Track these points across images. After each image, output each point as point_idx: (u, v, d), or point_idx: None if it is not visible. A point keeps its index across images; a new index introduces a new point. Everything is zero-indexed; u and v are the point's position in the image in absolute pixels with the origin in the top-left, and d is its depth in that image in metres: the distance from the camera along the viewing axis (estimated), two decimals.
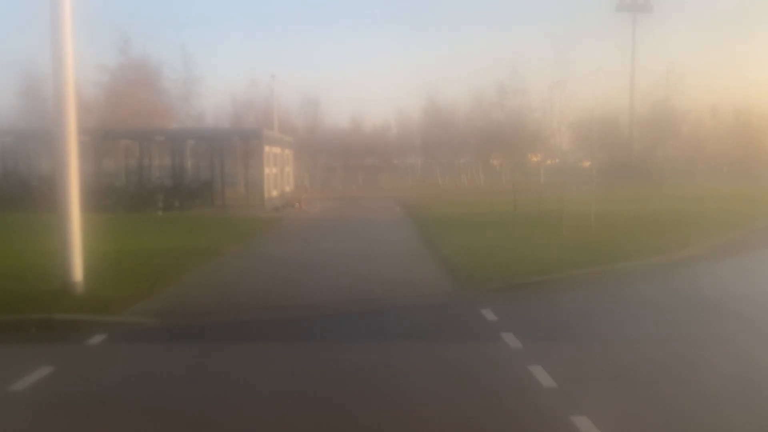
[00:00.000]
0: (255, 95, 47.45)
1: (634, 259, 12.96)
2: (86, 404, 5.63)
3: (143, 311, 8.75)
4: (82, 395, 5.86)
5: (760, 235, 18.25)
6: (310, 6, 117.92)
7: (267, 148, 30.44)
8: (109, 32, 42.46)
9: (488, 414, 5.36)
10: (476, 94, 46.74)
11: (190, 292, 9.99)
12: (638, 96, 51.20)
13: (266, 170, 30.15)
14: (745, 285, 11.46)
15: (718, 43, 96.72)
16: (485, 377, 6.28)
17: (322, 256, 13.97)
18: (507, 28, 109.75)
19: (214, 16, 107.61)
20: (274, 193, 32.31)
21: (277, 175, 34.54)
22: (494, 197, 25.81)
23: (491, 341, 7.45)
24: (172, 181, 30.44)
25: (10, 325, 8.06)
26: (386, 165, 52.21)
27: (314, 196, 31.57)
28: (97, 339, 7.58)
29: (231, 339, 7.88)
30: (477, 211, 23.63)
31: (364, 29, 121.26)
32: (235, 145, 38.60)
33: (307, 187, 43.11)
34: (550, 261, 12.40)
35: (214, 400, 5.65)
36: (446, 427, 5.11)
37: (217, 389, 5.96)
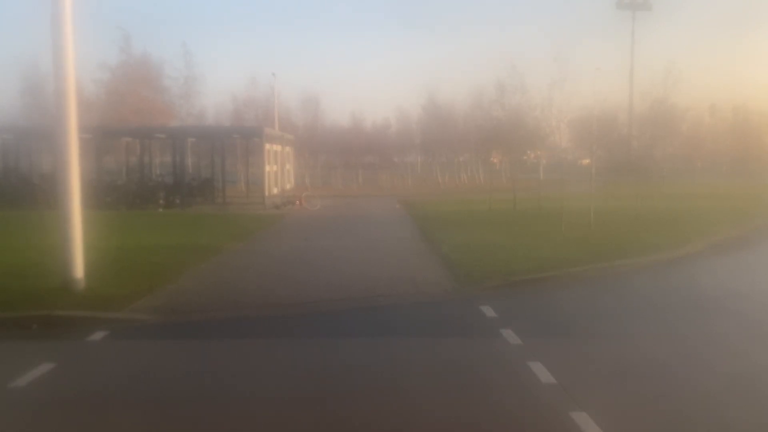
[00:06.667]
0: (255, 93, 47.29)
1: (633, 257, 12.99)
2: (87, 401, 5.66)
3: (144, 308, 8.79)
4: (83, 392, 5.89)
5: (758, 233, 18.29)
6: (310, 4, 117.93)
7: (268, 146, 30.47)
8: (109, 30, 42.38)
9: (488, 410, 5.39)
10: (476, 92, 46.77)
11: (190, 289, 10.03)
12: (637, 94, 51.10)
13: (267, 168, 30.19)
14: (743, 282, 11.49)
15: (717, 41, 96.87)
16: (485, 373, 6.32)
17: (322, 254, 14.01)
18: (507, 26, 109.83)
19: (214, 14, 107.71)
20: (275, 191, 32.35)
21: (278, 172, 34.59)
22: (494, 195, 25.79)
23: (491, 338, 7.48)
24: (173, 178, 30.46)
25: (11, 322, 8.10)
26: (386, 163, 52.12)
27: (315, 194, 31.56)
28: (98, 336, 7.62)
29: (231, 336, 7.92)
30: (476, 209, 23.64)
31: (364, 27, 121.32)
32: (235, 142, 38.67)
33: (307, 185, 43.09)
34: (550, 258, 12.43)
35: (214, 396, 5.69)
36: (446, 422, 5.14)
37: (218, 386, 6.00)
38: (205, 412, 5.34)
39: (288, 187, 37.76)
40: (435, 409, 5.38)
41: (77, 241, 9.48)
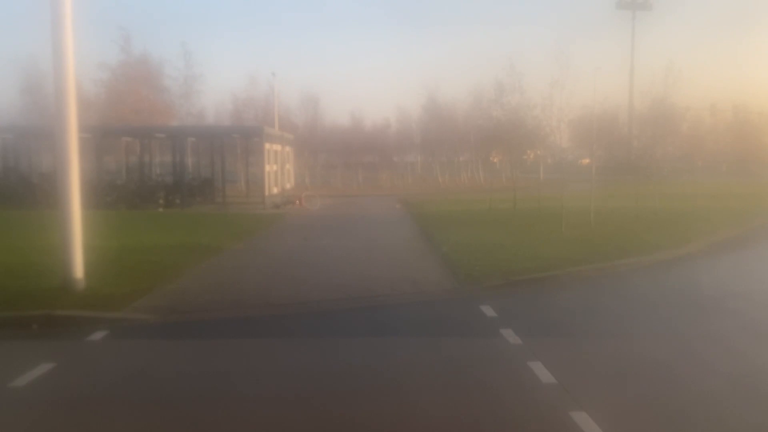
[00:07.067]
0: (255, 93, 47.33)
1: (634, 256, 12.98)
2: (87, 400, 5.66)
3: (144, 308, 8.78)
4: (83, 391, 5.89)
5: (758, 233, 18.28)
6: (310, 4, 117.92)
7: (267, 146, 30.43)
8: (109, 30, 42.47)
9: (488, 409, 5.39)
10: (476, 92, 46.77)
11: (190, 288, 10.02)
12: (637, 93, 51.23)
13: (267, 167, 30.16)
14: (743, 282, 11.49)
15: (717, 40, 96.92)
16: (485, 373, 6.31)
17: (322, 254, 14.00)
18: (507, 25, 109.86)
19: (214, 13, 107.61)
20: (275, 191, 32.31)
21: (278, 172, 34.54)
22: (494, 195, 25.80)
23: (491, 337, 7.48)
24: (172, 178, 30.46)
25: (11, 322, 8.09)
26: (386, 163, 52.09)
27: (314, 193, 31.56)
28: (98, 335, 7.61)
29: (231, 335, 7.92)
30: (476, 209, 23.63)
31: (364, 27, 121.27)
32: (235, 142, 38.66)
33: (307, 184, 43.08)
34: (550, 258, 12.43)
35: (214, 396, 5.69)
36: (446, 422, 5.14)
37: (218, 385, 5.99)
38: (205, 412, 5.34)
39: (288, 186, 37.72)
40: (435, 409, 5.38)
41: (77, 240, 9.47)
